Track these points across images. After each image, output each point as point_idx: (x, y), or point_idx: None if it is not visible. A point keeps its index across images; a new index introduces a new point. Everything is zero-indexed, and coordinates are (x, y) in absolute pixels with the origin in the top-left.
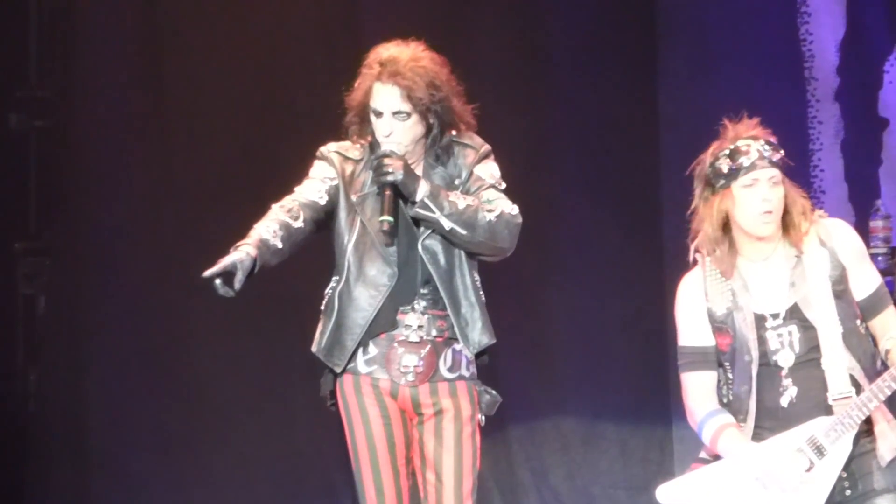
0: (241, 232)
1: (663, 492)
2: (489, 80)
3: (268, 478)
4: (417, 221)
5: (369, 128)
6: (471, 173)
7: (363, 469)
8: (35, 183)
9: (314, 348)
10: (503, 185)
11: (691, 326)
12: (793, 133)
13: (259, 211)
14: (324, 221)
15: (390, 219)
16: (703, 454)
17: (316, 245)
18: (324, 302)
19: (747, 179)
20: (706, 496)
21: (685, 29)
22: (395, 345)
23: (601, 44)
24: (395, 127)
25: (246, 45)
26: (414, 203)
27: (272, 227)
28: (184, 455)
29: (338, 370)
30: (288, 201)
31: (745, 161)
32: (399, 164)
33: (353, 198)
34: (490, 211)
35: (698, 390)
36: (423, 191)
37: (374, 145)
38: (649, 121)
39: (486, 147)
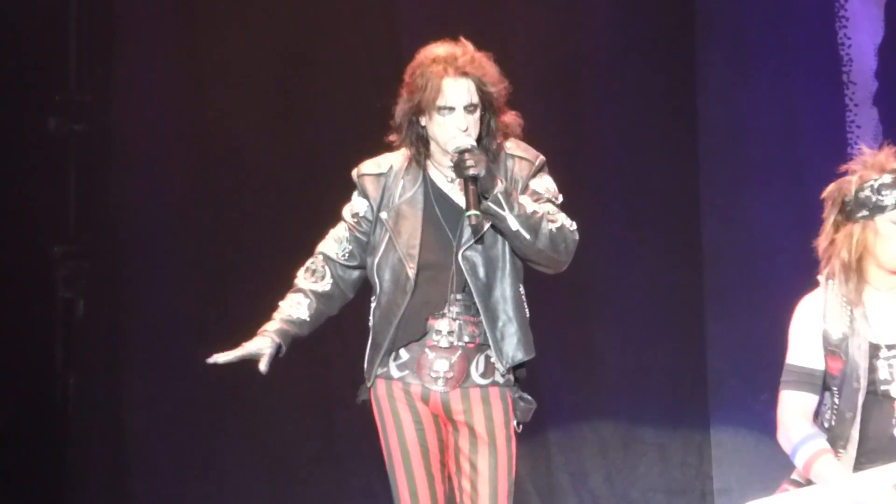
0: (279, 238)
1: None
2: (525, 87)
3: (307, 481)
4: (455, 232)
5: (415, 135)
6: (526, 186)
7: (397, 474)
8: (74, 187)
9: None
10: (560, 199)
11: (803, 346)
12: (831, 137)
13: (297, 217)
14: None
15: (477, 213)
16: (795, 475)
17: None
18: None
19: (895, 216)
20: None
21: (723, 34)
22: (427, 350)
23: (639, 50)
24: (469, 121)
25: (286, 48)
26: (486, 198)
27: (297, 298)
28: (222, 458)
29: (368, 384)
30: (311, 262)
31: (893, 198)
32: (482, 158)
33: (383, 214)
34: (552, 222)
35: (797, 410)
36: (498, 187)
37: (417, 156)
38: (688, 126)
39: (541, 159)
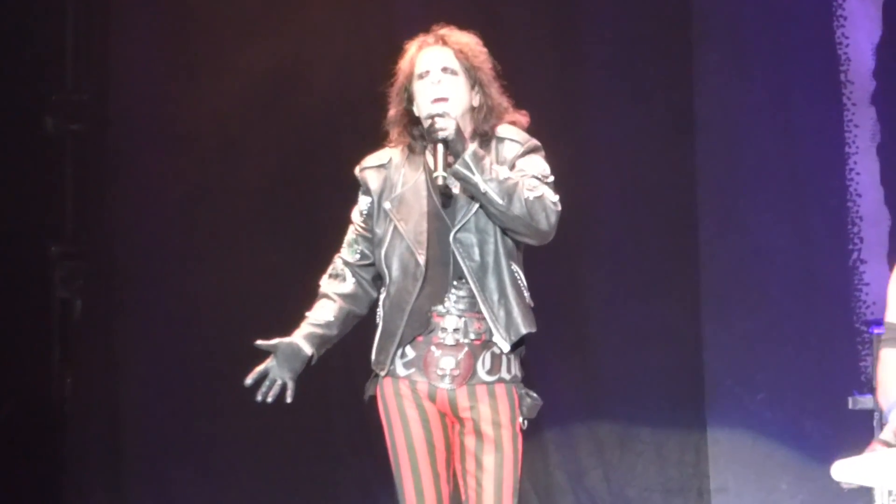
0: (277, 236)
1: (839, 468)
2: (523, 86)
3: (304, 480)
4: (453, 214)
5: (410, 128)
6: (513, 165)
7: (403, 472)
8: (71, 187)
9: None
10: (550, 179)
11: None
12: (829, 137)
13: (294, 215)
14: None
15: (445, 174)
16: (884, 436)
17: None
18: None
19: None
20: (889, 478)
21: (720, 33)
22: (432, 348)
23: (636, 49)
24: (445, 81)
25: (284, 49)
26: (454, 162)
27: (321, 303)
28: (219, 458)
29: (381, 374)
30: (332, 268)
31: None
32: (452, 122)
33: (386, 204)
34: (531, 190)
35: None
36: (468, 151)
37: (412, 143)
38: (684, 125)
39: (533, 142)
